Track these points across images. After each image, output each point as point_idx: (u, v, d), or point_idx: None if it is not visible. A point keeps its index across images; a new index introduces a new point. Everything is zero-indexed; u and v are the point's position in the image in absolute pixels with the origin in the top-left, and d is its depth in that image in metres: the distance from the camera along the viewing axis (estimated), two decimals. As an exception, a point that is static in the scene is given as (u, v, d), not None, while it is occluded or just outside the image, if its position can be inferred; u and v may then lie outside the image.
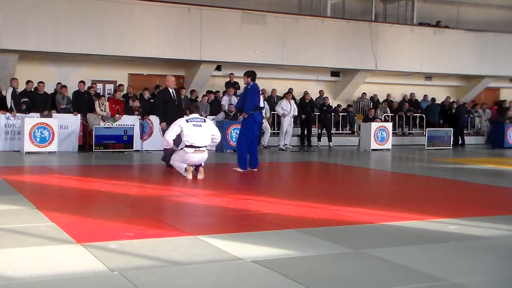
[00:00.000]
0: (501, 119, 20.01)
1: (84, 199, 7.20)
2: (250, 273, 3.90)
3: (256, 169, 10.18)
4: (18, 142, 13.66)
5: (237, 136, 10.35)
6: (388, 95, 21.01)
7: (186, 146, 8.89)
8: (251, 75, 10.26)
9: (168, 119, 10.63)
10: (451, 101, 20.88)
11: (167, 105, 10.64)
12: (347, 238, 4.95)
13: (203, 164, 9.09)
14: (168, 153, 10.69)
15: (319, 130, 18.06)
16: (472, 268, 4.16)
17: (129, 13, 16.01)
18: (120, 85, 16.67)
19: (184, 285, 3.64)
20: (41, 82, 14.62)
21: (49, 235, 4.81)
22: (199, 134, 8.90)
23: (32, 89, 14.81)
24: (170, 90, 10.76)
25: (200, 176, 8.85)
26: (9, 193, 7.05)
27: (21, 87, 14.62)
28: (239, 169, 10.02)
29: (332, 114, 18.37)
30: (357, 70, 19.62)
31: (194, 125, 8.89)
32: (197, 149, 8.88)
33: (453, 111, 20.23)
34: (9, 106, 13.93)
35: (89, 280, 3.63)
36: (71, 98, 14.98)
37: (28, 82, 14.71)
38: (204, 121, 9.13)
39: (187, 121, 8.96)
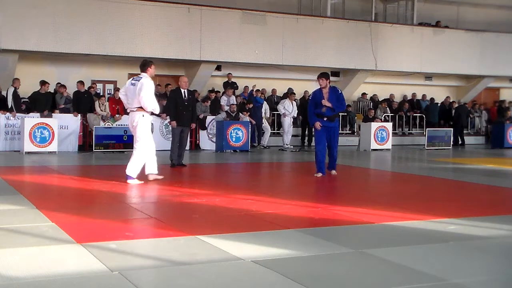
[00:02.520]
0: (501, 119, 20.01)
1: (84, 199, 7.20)
2: (250, 273, 3.90)
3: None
4: (18, 142, 13.67)
5: (337, 139, 9.94)
6: (392, 96, 21.00)
7: None
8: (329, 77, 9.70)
9: (177, 118, 10.66)
10: (451, 101, 20.88)
11: (177, 105, 10.68)
12: (347, 238, 4.95)
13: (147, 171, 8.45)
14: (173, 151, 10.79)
15: None
16: (472, 268, 4.16)
17: (129, 13, 16.01)
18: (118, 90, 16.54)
19: (184, 285, 3.64)
20: (46, 82, 14.56)
21: (49, 235, 4.81)
22: (130, 93, 8.21)
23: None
24: (182, 91, 10.77)
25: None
26: (9, 193, 7.05)
27: (21, 87, 14.60)
28: (335, 172, 9.89)
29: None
30: (357, 70, 19.62)
31: (131, 83, 8.26)
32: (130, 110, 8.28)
33: (453, 111, 20.23)
34: (9, 106, 13.93)
35: (89, 280, 3.63)
36: (70, 98, 14.99)
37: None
38: (139, 80, 8.16)
39: (132, 79, 8.43)
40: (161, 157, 11.18)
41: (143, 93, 8.00)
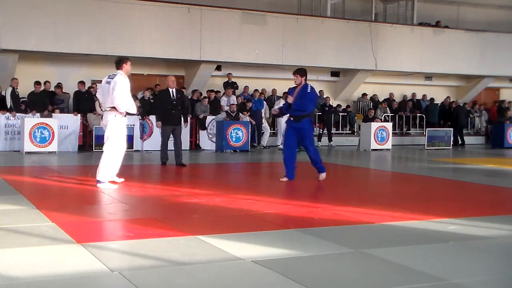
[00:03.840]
0: (501, 119, 20.01)
1: (84, 199, 7.19)
2: (250, 273, 3.90)
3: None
4: (18, 142, 13.67)
5: (310, 141, 9.02)
6: (391, 95, 20.99)
7: None
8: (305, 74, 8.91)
9: (164, 119, 10.73)
10: (451, 101, 20.89)
11: (165, 105, 10.73)
12: (347, 238, 4.95)
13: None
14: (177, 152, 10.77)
15: (321, 130, 18.06)
16: (472, 268, 4.16)
17: (129, 13, 16.00)
18: None
19: (184, 285, 3.64)
20: (40, 82, 14.56)
21: (49, 235, 4.80)
22: (105, 92, 7.81)
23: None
24: (170, 90, 10.82)
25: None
26: (9, 193, 7.05)
27: (21, 87, 14.60)
28: (324, 175, 9.02)
29: (332, 114, 18.37)
30: (357, 70, 19.62)
31: (106, 82, 7.85)
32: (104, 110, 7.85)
33: (452, 111, 20.24)
34: (8, 106, 13.93)
35: (89, 280, 3.63)
36: (62, 99, 15.04)
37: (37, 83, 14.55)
38: (113, 78, 7.78)
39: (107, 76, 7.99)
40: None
41: (116, 92, 7.55)
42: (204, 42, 16.85)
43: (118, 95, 7.60)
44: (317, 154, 9.00)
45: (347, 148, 17.71)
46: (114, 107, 7.66)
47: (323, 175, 8.96)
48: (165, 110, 10.77)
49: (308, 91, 8.63)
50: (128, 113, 7.90)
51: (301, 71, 8.80)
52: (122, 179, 8.13)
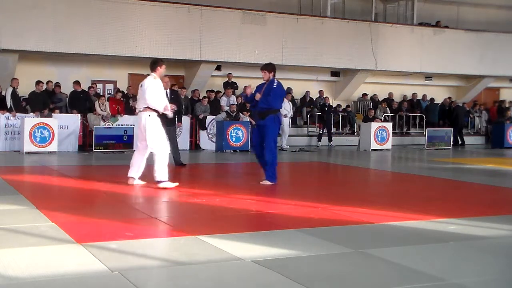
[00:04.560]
0: (501, 119, 20.01)
1: (84, 199, 7.20)
2: (250, 273, 3.90)
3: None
4: (18, 142, 13.67)
5: (269, 140, 8.19)
6: (390, 94, 20.99)
7: None
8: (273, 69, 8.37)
9: (160, 119, 10.70)
10: (450, 101, 20.90)
11: None
12: (347, 238, 4.95)
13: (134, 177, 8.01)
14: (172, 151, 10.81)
15: (321, 130, 18.06)
16: (472, 268, 4.16)
17: (129, 13, 16.01)
18: (119, 91, 16.37)
19: (184, 285, 3.64)
20: (41, 81, 14.55)
21: (49, 235, 4.80)
22: (139, 94, 8.03)
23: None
24: (165, 91, 10.80)
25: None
26: (9, 193, 7.05)
27: (21, 87, 14.61)
28: (268, 183, 8.24)
29: (332, 114, 18.38)
30: (357, 70, 19.62)
31: (140, 85, 7.98)
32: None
33: (451, 111, 20.25)
34: (8, 106, 13.93)
35: (89, 280, 3.63)
36: (60, 97, 15.06)
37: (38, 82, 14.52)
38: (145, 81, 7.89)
39: None
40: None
41: (147, 95, 7.69)
42: (204, 42, 16.85)
43: (150, 98, 7.71)
44: (272, 157, 8.21)
45: (347, 148, 17.72)
46: (147, 107, 7.76)
47: (266, 182, 8.20)
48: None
49: (274, 86, 8.18)
50: (163, 113, 7.94)
51: (268, 67, 8.32)
52: (143, 182, 8.02)
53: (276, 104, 8.29)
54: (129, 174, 7.98)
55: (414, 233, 5.23)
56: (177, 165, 10.72)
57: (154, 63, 7.95)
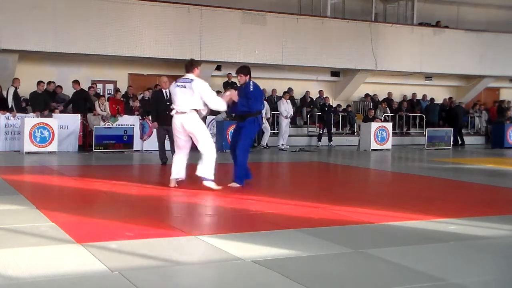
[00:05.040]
0: (501, 119, 20.01)
1: (84, 199, 7.20)
2: (250, 273, 3.90)
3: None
4: (18, 142, 13.66)
5: (244, 140, 8.08)
6: (389, 94, 20.99)
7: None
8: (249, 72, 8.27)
9: (159, 119, 10.76)
10: (449, 101, 20.90)
11: (158, 106, 10.77)
12: (347, 238, 4.95)
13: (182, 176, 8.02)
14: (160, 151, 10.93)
15: (321, 130, 18.06)
16: (472, 268, 4.16)
17: (129, 13, 16.01)
18: (118, 91, 16.34)
19: (184, 285, 3.64)
20: (42, 81, 14.55)
21: (49, 235, 4.80)
22: (181, 96, 7.65)
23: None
24: (164, 91, 10.85)
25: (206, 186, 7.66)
26: (9, 193, 7.05)
27: (21, 87, 14.60)
28: (236, 185, 8.05)
29: (332, 114, 18.38)
30: (357, 70, 19.62)
31: (178, 86, 7.72)
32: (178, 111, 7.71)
33: (450, 110, 20.25)
34: (10, 106, 13.94)
35: (89, 280, 3.63)
36: (62, 98, 15.06)
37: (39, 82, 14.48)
38: (190, 82, 7.61)
39: (175, 81, 7.85)
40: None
41: (208, 96, 7.54)
42: (204, 42, 16.85)
43: (212, 98, 7.63)
44: (243, 159, 8.06)
45: (347, 148, 17.71)
46: (194, 109, 7.61)
47: (234, 185, 8.00)
48: (158, 111, 10.80)
49: (251, 89, 8.06)
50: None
51: (244, 70, 8.17)
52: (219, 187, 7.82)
53: (256, 106, 8.20)
54: (173, 176, 7.92)
55: (414, 233, 5.23)
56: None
57: (192, 64, 7.83)
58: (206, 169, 7.68)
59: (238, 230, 5.22)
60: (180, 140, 7.89)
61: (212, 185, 7.63)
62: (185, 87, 7.62)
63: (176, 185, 7.88)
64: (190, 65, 7.81)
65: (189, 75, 7.70)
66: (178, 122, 7.72)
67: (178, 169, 7.99)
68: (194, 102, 7.58)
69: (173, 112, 7.74)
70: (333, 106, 18.84)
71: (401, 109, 20.43)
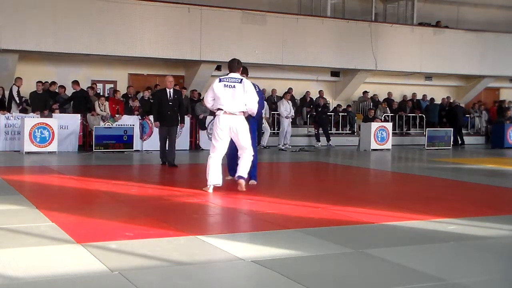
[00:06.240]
0: (501, 119, 20.01)
1: (84, 199, 7.20)
2: (250, 273, 3.90)
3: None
4: (18, 142, 13.66)
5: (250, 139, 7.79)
6: (389, 94, 20.98)
7: (218, 109, 7.50)
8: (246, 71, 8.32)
9: (161, 119, 10.74)
10: (451, 101, 20.90)
11: (161, 105, 10.74)
12: (347, 238, 4.95)
13: (244, 174, 7.64)
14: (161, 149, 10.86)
15: (316, 130, 18.02)
16: (472, 268, 4.16)
17: (129, 13, 16.01)
18: (117, 90, 16.29)
19: (184, 285, 3.64)
20: (41, 81, 14.55)
21: (49, 235, 4.80)
22: (230, 96, 7.37)
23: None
24: (168, 91, 10.82)
25: (240, 187, 7.50)
26: (9, 193, 7.05)
27: (21, 87, 14.62)
28: (254, 182, 8.24)
29: (332, 114, 18.37)
30: (357, 70, 19.62)
31: (226, 85, 7.43)
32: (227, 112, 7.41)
33: (450, 111, 20.26)
34: (17, 103, 14.04)
35: (89, 280, 3.63)
36: (63, 98, 15.10)
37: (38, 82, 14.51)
38: (240, 82, 7.46)
39: (220, 80, 7.53)
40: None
41: (253, 97, 7.44)
42: (204, 42, 16.85)
43: (256, 100, 7.54)
44: (255, 158, 8.08)
45: (347, 148, 17.71)
46: (242, 111, 7.47)
47: (253, 182, 8.21)
48: (161, 110, 10.77)
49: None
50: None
51: (242, 70, 8.02)
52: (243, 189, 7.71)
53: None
54: (213, 182, 7.47)
55: (414, 233, 5.23)
56: (169, 166, 10.69)
57: (238, 63, 7.70)
58: (246, 169, 7.63)
59: (238, 230, 5.22)
60: (221, 141, 7.50)
61: (243, 183, 7.57)
62: (234, 87, 7.41)
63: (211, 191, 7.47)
64: (236, 63, 7.63)
65: (235, 75, 7.54)
66: (226, 123, 7.41)
67: (216, 174, 7.51)
68: (244, 103, 7.41)
69: (219, 112, 7.43)
70: (327, 106, 18.77)
71: (405, 109, 20.40)
